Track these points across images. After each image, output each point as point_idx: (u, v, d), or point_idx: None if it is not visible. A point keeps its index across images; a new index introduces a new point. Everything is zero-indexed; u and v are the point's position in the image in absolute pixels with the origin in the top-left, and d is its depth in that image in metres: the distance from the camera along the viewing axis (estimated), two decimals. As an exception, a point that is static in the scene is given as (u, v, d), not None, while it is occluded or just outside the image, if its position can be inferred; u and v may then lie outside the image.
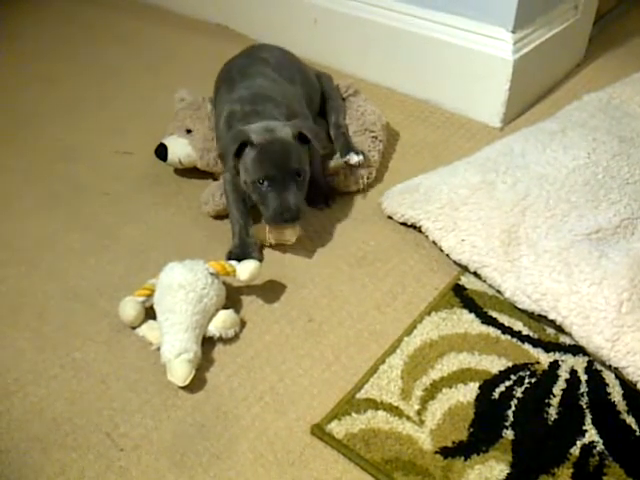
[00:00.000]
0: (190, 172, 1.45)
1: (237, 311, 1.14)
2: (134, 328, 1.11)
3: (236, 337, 1.11)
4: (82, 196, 1.44)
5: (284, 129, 1.19)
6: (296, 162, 1.19)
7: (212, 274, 1.11)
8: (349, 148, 1.41)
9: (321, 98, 1.52)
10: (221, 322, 1.08)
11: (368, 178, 1.42)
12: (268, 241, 1.26)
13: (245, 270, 1.13)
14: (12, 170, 1.53)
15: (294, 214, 1.18)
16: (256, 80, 1.34)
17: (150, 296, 1.11)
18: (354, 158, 1.39)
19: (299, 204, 1.19)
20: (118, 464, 0.93)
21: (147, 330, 1.09)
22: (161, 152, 1.41)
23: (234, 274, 1.13)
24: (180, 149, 1.41)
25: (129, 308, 1.09)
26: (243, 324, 1.13)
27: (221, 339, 1.09)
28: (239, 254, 1.22)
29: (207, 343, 1.09)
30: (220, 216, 1.34)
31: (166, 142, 1.42)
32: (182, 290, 1.06)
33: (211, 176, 1.44)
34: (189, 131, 1.42)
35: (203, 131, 1.41)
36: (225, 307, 1.12)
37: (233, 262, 1.15)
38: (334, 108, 1.50)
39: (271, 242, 1.26)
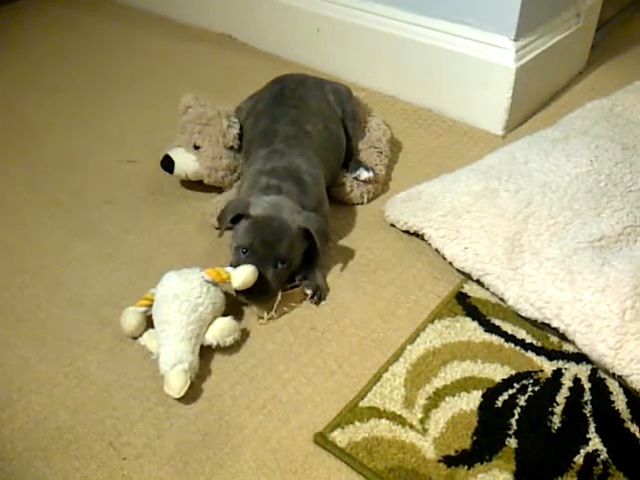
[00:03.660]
0: (194, 181, 1.45)
1: (239, 319, 1.14)
2: (135, 338, 1.11)
3: (238, 346, 1.10)
4: (85, 205, 1.44)
5: (292, 215, 1.14)
6: (285, 249, 1.13)
7: (208, 282, 1.10)
8: (359, 164, 1.42)
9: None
10: (219, 330, 1.08)
11: (374, 193, 1.42)
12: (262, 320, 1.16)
13: (238, 276, 1.11)
14: (15, 179, 1.53)
15: (258, 294, 1.13)
16: (293, 156, 1.25)
17: (151, 306, 1.10)
18: (364, 174, 1.40)
19: (270, 285, 1.13)
20: (121, 473, 0.93)
21: (147, 339, 1.09)
22: (167, 164, 1.40)
23: (229, 281, 1.12)
24: (187, 165, 1.39)
25: (130, 318, 1.09)
26: (246, 333, 1.13)
27: (222, 348, 1.09)
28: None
29: (209, 352, 1.09)
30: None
31: (173, 155, 1.40)
32: (177, 300, 1.06)
33: (216, 188, 1.43)
34: (197, 147, 1.39)
35: (212, 149, 1.38)
36: (225, 314, 1.12)
37: (229, 269, 1.13)
38: (348, 133, 1.47)
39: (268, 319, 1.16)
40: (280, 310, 1.16)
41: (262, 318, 1.15)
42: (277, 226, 1.13)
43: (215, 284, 1.11)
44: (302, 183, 1.23)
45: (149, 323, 1.11)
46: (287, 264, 1.15)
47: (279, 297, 1.16)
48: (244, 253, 1.14)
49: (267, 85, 1.50)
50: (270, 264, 1.13)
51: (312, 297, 1.18)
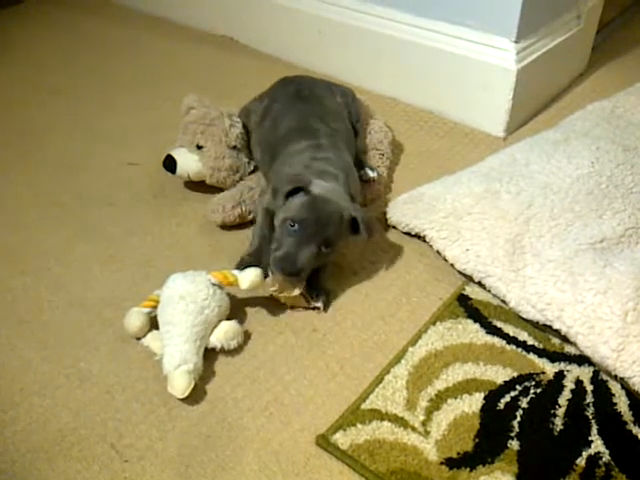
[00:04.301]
0: (196, 183, 1.45)
1: (241, 322, 1.14)
2: (139, 339, 1.11)
3: (240, 348, 1.10)
4: (87, 207, 1.44)
5: (346, 203, 1.15)
6: (334, 234, 1.12)
7: (214, 285, 1.10)
8: (364, 164, 1.43)
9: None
10: (223, 333, 1.08)
11: (376, 195, 1.42)
12: (270, 290, 1.15)
13: (246, 278, 1.12)
14: (16, 181, 1.54)
15: (294, 268, 1.09)
16: (339, 151, 1.29)
17: (155, 307, 1.11)
18: (369, 174, 1.41)
19: (305, 266, 1.11)
20: (123, 475, 0.93)
21: (151, 340, 1.09)
22: (169, 164, 1.40)
23: (236, 283, 1.12)
24: (190, 165, 1.40)
25: (134, 319, 1.09)
26: (248, 335, 1.13)
27: (225, 350, 1.09)
28: (251, 262, 1.19)
29: (211, 354, 1.09)
30: (226, 226, 1.35)
31: (175, 155, 1.40)
32: (183, 302, 1.06)
33: (217, 190, 1.43)
34: (200, 147, 1.39)
35: (214, 149, 1.38)
36: (229, 318, 1.12)
37: (235, 271, 1.14)
38: (356, 134, 1.48)
39: (272, 292, 1.15)
40: (288, 298, 1.15)
41: (272, 288, 1.13)
42: (333, 210, 1.13)
43: (221, 287, 1.11)
44: (350, 176, 1.25)
45: (152, 325, 1.11)
46: (330, 250, 1.13)
47: (299, 290, 1.13)
48: (292, 226, 1.11)
49: (276, 86, 1.49)
50: (316, 244, 1.11)
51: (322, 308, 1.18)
